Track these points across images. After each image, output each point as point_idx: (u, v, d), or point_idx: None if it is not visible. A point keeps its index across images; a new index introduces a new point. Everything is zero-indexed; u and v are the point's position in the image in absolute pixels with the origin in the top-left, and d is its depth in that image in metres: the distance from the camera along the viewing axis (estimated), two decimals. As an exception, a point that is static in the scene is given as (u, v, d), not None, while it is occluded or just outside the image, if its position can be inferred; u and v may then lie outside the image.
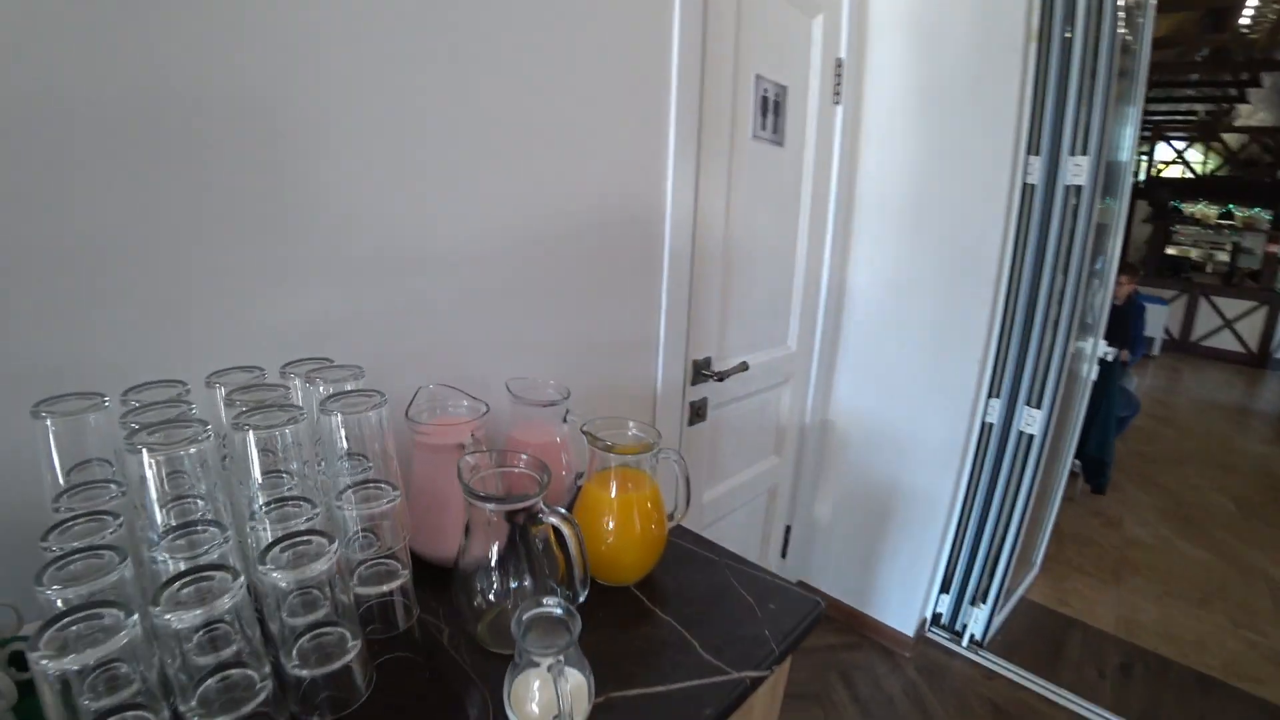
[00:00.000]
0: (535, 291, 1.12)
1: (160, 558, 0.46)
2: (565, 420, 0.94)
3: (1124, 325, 3.23)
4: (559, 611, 0.58)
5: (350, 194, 0.85)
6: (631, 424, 0.84)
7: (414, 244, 0.93)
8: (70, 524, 0.52)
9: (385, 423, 0.59)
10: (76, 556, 0.48)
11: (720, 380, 1.56)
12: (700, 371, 1.54)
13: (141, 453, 0.44)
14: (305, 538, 0.48)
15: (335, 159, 0.82)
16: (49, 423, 0.53)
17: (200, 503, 0.52)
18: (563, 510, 0.66)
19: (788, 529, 2.24)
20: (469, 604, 0.69)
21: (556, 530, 0.67)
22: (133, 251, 0.68)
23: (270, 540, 0.48)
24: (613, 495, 0.80)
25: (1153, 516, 3.31)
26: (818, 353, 2.02)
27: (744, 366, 1.61)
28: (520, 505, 0.63)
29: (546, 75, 1.04)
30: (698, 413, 1.57)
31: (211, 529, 0.50)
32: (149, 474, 0.45)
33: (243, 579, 0.44)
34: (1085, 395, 2.42)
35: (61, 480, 0.55)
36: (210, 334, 0.75)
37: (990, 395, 1.93)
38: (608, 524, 0.79)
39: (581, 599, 0.69)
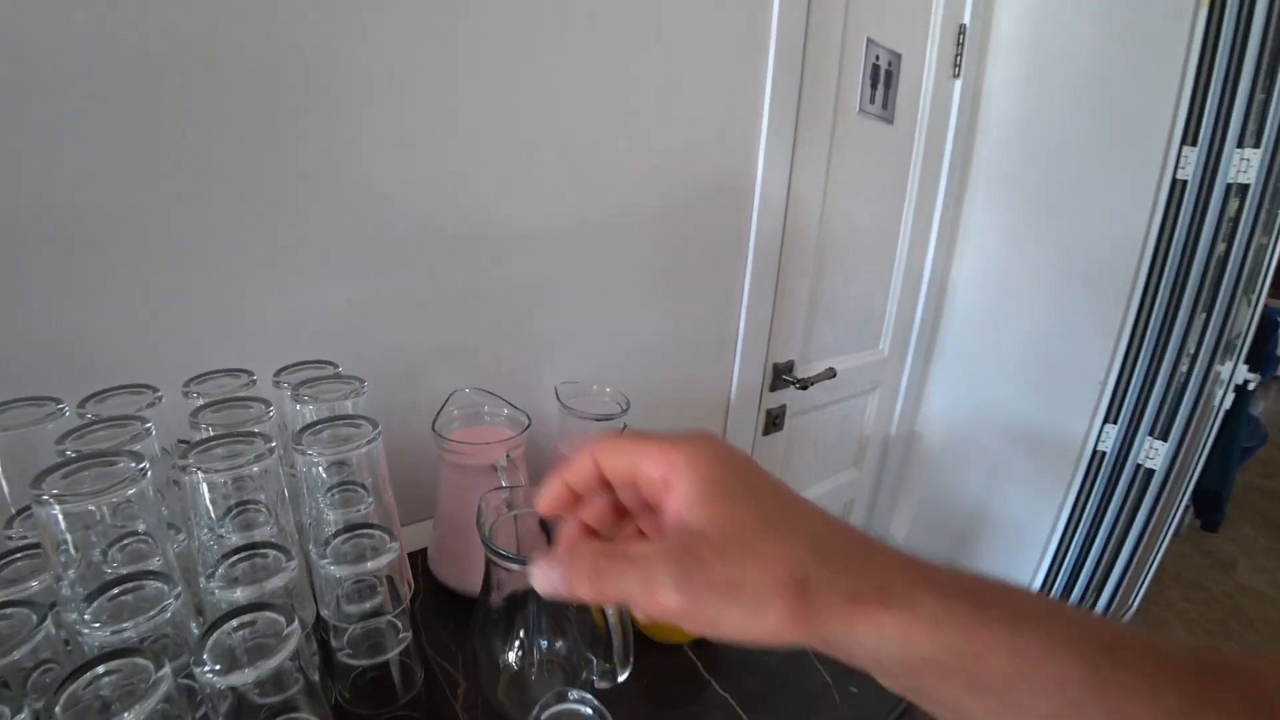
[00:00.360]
0: (597, 282, 0.98)
1: (85, 631, 0.36)
2: (621, 436, 0.81)
3: (1255, 343, 2.85)
4: (589, 710, 0.47)
5: (390, 168, 0.73)
6: (697, 453, 0.70)
7: (459, 227, 0.80)
8: (12, 557, 0.43)
9: (379, 453, 0.47)
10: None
11: (804, 389, 1.39)
12: (781, 376, 1.37)
13: (51, 505, 0.33)
14: (256, 614, 0.37)
15: (373, 125, 0.70)
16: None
17: (150, 541, 0.42)
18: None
19: (858, 544, 2.05)
20: (488, 661, 0.57)
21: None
22: (128, 228, 0.58)
23: (220, 613, 0.37)
24: (668, 541, 0.66)
25: (1271, 562, 2.93)
26: (911, 358, 1.82)
27: (831, 373, 1.43)
28: (551, 568, 0.51)
29: (628, 34, 0.89)
30: (774, 421, 1.41)
31: (156, 585, 0.39)
32: (63, 529, 0.34)
33: (167, 671, 0.33)
34: (1215, 425, 2.12)
35: (10, 503, 0.46)
36: (212, 322, 0.65)
37: (1106, 420, 1.69)
38: (660, 574, 0.66)
39: (622, 678, 0.56)
